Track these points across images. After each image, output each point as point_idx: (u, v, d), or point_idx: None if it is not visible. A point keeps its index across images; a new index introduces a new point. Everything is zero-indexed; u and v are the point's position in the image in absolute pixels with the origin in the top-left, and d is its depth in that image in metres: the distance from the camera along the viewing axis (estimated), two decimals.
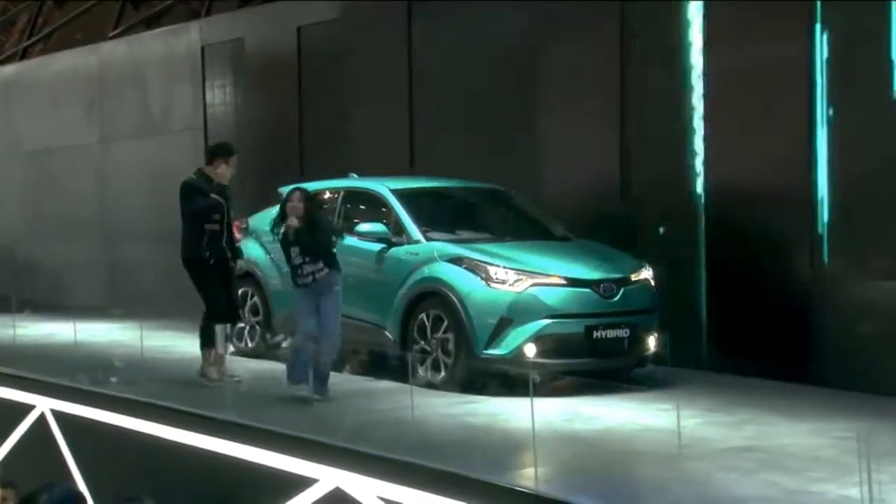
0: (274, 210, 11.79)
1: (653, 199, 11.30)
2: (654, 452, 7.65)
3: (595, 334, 9.59)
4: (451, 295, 9.72)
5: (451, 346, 9.73)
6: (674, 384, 9.97)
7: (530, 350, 9.47)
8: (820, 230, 9.96)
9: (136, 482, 9.12)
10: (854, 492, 6.06)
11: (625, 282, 9.84)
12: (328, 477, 7.84)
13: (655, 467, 7.36)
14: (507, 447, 7.93)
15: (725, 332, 10.69)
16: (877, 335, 9.59)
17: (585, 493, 6.87)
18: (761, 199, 10.44)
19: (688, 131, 10.94)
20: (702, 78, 10.81)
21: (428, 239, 10.21)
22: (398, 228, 10.39)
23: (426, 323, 9.91)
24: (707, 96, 10.78)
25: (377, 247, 10.40)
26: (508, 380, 9.58)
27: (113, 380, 10.97)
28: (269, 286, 11.59)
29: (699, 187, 10.89)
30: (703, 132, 10.83)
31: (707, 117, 10.79)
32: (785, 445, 7.83)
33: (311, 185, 11.52)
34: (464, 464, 7.38)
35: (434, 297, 9.87)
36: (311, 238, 9.32)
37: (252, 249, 11.68)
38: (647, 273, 10.11)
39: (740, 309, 10.53)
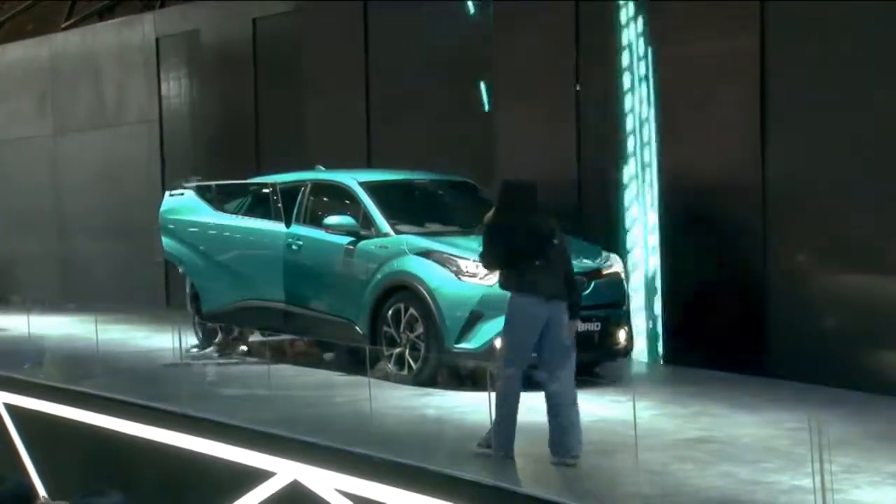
0: (175, 200, 11.59)
1: (608, 192, 11.36)
2: (611, 443, 7.70)
3: None
4: (421, 289, 9.63)
5: (420, 340, 9.67)
6: (629, 377, 10.03)
7: (500, 344, 9.45)
8: (772, 223, 10.06)
9: (92, 476, 9.08)
10: (807, 482, 6.14)
11: (596, 275, 9.81)
12: (286, 470, 7.84)
13: (612, 458, 7.42)
14: (465, 439, 7.95)
15: (680, 324, 10.77)
16: (828, 328, 9.70)
17: (542, 483, 6.93)
18: (716, 192, 10.53)
19: (642, 124, 11.01)
20: (657, 70, 10.89)
21: (397, 232, 10.11)
22: (367, 221, 10.28)
23: (397, 317, 9.80)
24: (662, 89, 10.86)
25: (346, 240, 10.28)
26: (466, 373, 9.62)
27: (68, 373, 10.90)
28: (194, 276, 11.48)
29: (654, 180, 10.96)
30: (657, 124, 10.90)
31: (661, 109, 10.87)
32: (739, 436, 7.91)
33: (277, 178, 11.52)
34: (421, 456, 7.41)
35: (404, 291, 9.76)
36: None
37: (167, 243, 11.48)
38: (617, 266, 10.12)
39: (694, 302, 10.61)
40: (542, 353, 7.25)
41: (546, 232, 7.42)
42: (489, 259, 7.54)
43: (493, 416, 7.30)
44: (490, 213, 7.56)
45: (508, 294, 7.39)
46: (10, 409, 10.42)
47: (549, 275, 7.30)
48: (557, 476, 7.11)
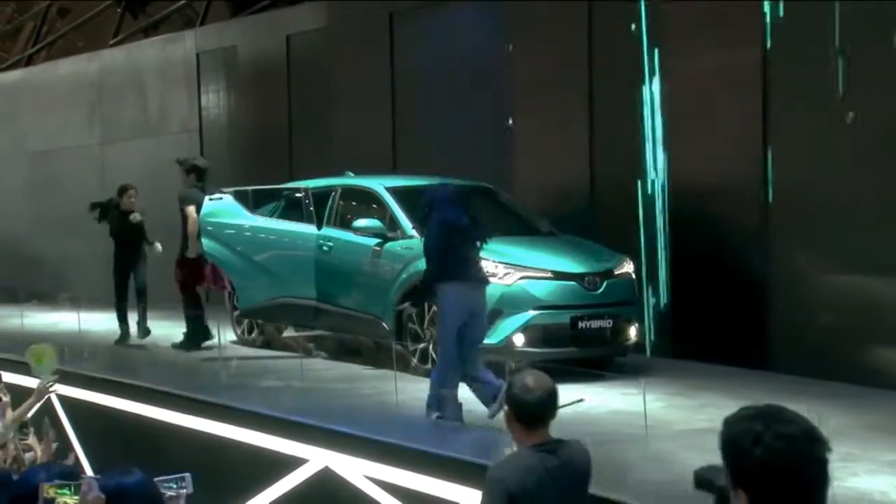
0: (215, 204, 11.56)
1: (618, 196, 11.31)
2: (622, 433, 7.67)
3: (580, 325, 9.55)
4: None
5: None
6: (639, 370, 9.99)
7: (519, 339, 9.42)
8: (774, 224, 10.01)
9: (136, 462, 9.10)
10: None
11: (608, 275, 9.79)
12: (317, 457, 7.84)
13: (623, 447, 7.38)
14: (486, 428, 7.93)
15: (687, 321, 10.71)
16: (827, 325, 9.65)
17: None
18: (720, 195, 10.48)
19: (650, 131, 10.96)
20: (664, 79, 10.84)
21: (421, 234, 10.16)
22: (393, 224, 10.29)
23: (421, 314, 9.78)
24: (669, 97, 10.81)
25: (373, 241, 10.30)
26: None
27: (114, 366, 10.94)
28: (232, 275, 11.47)
29: (662, 185, 10.91)
30: (664, 132, 10.86)
31: (669, 117, 10.82)
32: None
33: (309, 183, 11.52)
34: (444, 445, 7.39)
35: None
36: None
37: (207, 244, 11.35)
38: (628, 267, 10.10)
39: (700, 299, 10.57)
40: (466, 331, 7.91)
41: (470, 229, 8.13)
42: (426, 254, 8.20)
43: (439, 391, 7.95)
44: (423, 218, 8.37)
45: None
46: (62, 399, 10.45)
47: (475, 265, 8.06)
48: None
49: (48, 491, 3.41)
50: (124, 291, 12.19)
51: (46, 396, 6.64)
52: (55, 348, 5.57)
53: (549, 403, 4.22)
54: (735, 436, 2.33)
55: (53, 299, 17.47)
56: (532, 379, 4.28)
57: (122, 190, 12.27)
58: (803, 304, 9.80)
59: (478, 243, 8.15)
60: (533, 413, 4.18)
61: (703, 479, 2.48)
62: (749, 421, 2.33)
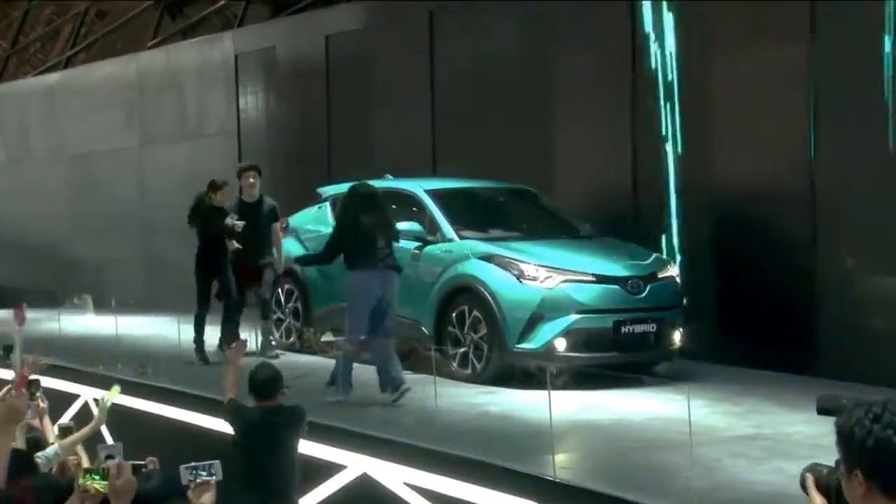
0: (312, 210, 11.75)
1: (661, 199, 11.22)
2: (665, 440, 7.59)
3: (623, 329, 9.44)
4: (483, 291, 9.56)
5: (484, 341, 9.60)
6: (684, 375, 9.89)
7: (560, 344, 9.34)
8: (821, 227, 9.87)
9: (172, 467, 9.11)
10: None
11: (651, 279, 9.68)
12: (356, 463, 7.82)
13: (666, 453, 7.31)
14: (526, 435, 7.88)
15: (733, 326, 10.59)
16: (875, 330, 9.50)
17: (600, 479, 6.84)
18: (766, 198, 10.36)
19: (695, 133, 10.86)
20: (709, 80, 10.74)
21: (461, 237, 10.07)
22: (433, 227, 10.24)
23: (461, 318, 9.75)
24: (711, 99, 10.71)
25: (413, 245, 10.22)
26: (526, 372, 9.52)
27: (150, 371, 10.97)
28: (309, 282, 11.46)
29: (705, 187, 10.81)
30: (709, 134, 10.75)
31: (712, 119, 10.72)
32: (789, 434, 7.77)
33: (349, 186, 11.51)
34: (485, 451, 7.34)
35: (467, 293, 9.71)
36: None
37: (292, 247, 11.45)
38: (672, 270, 10.00)
39: (746, 304, 10.44)
40: (374, 319, 8.95)
41: (382, 226, 9.12)
42: (334, 249, 9.27)
43: (337, 370, 9.16)
44: (338, 212, 9.40)
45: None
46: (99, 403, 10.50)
47: (384, 255, 9.08)
48: (612, 470, 7.02)
49: (79, 478, 3.48)
50: (207, 297, 11.40)
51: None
52: (119, 388, 7.41)
53: (272, 384, 6.78)
54: (854, 417, 2.46)
55: (93, 301, 17.59)
56: (260, 368, 6.96)
57: (215, 186, 11.34)
58: (851, 308, 9.67)
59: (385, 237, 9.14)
60: (259, 389, 6.80)
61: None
62: (869, 405, 2.45)
